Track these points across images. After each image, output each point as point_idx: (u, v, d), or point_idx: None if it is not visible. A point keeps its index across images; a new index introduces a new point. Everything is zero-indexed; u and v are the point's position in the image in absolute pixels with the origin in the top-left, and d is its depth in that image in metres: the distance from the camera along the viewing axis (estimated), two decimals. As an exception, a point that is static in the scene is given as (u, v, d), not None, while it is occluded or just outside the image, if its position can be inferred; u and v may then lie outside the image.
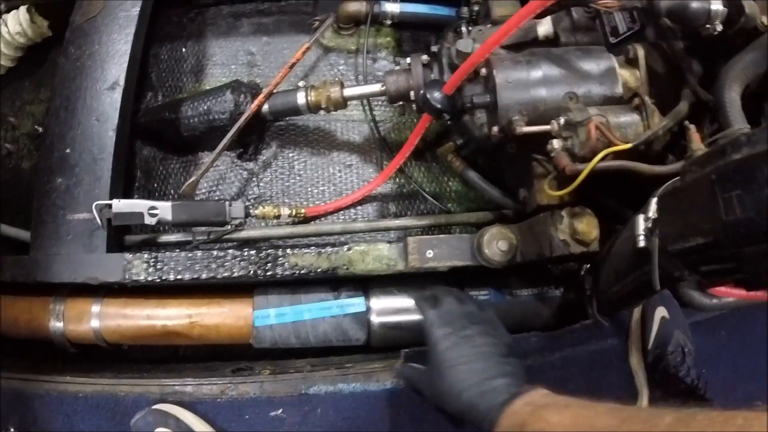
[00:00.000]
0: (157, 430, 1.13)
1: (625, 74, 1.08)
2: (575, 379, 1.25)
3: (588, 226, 1.04)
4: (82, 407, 1.19)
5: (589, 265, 1.16)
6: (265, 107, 1.35)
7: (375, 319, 1.24)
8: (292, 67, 1.39)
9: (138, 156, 1.47)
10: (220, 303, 1.24)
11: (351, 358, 1.29)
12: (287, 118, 1.48)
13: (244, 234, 1.31)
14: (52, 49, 1.53)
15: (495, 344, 0.94)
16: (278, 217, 1.32)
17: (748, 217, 0.69)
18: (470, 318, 0.98)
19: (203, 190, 1.43)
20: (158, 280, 1.19)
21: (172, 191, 1.44)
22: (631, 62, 1.10)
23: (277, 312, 1.22)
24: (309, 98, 1.32)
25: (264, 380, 1.20)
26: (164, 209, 1.22)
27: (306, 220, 1.38)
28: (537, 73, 1.06)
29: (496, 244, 1.16)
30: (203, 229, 1.30)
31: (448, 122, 1.23)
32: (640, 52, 1.09)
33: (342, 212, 1.42)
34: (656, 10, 0.97)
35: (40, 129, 1.48)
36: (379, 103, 1.50)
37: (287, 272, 1.20)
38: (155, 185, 1.45)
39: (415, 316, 1.24)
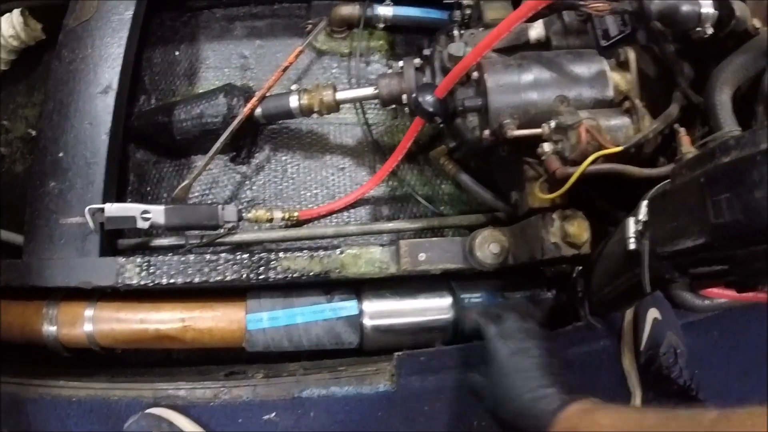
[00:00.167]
0: (150, 433, 1.14)
1: (616, 77, 1.08)
2: (568, 380, 1.25)
3: (579, 229, 1.04)
4: (75, 411, 1.19)
5: (581, 267, 1.17)
6: (258, 111, 1.35)
7: (368, 323, 1.24)
8: (285, 70, 1.39)
9: (131, 159, 1.46)
10: (213, 307, 1.24)
11: (344, 361, 1.29)
12: (280, 122, 1.48)
13: (236, 237, 1.31)
14: (46, 52, 1.52)
15: (549, 357, 0.99)
16: (271, 220, 1.32)
17: (736, 220, 0.69)
18: (528, 333, 1.02)
19: (196, 194, 1.43)
20: (151, 284, 1.19)
21: (165, 195, 1.44)
22: (622, 65, 1.10)
23: (270, 315, 1.22)
24: (302, 102, 1.32)
25: (257, 384, 1.20)
26: (157, 213, 1.22)
27: (299, 223, 1.38)
28: (528, 77, 1.06)
29: (488, 246, 1.17)
30: (196, 232, 1.30)
31: (441, 125, 1.23)
32: (631, 55, 1.09)
33: (335, 215, 1.42)
34: (647, 13, 0.98)
35: (34, 132, 1.48)
36: (372, 106, 1.50)
37: (280, 276, 1.21)
38: (148, 189, 1.45)
39: (408, 319, 1.25)
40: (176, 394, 1.19)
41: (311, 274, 1.21)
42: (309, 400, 1.19)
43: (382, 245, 1.24)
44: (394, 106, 1.29)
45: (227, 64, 1.55)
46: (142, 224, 1.21)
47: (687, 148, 0.88)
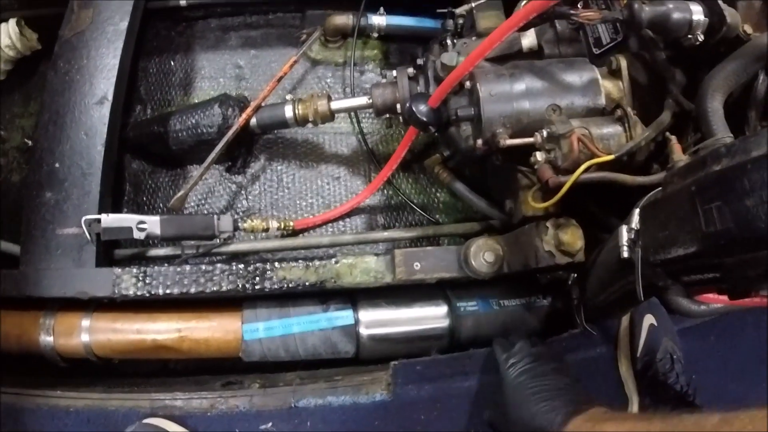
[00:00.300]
0: (147, 444, 1.13)
1: (608, 85, 1.09)
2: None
3: (573, 237, 1.04)
4: (73, 421, 1.18)
5: (576, 275, 1.17)
6: (253, 120, 1.35)
7: (364, 332, 1.24)
8: (279, 80, 1.39)
9: (127, 170, 1.47)
10: (209, 317, 1.24)
11: (340, 370, 1.29)
12: (275, 131, 1.48)
13: (232, 247, 1.31)
14: (42, 62, 1.53)
15: (555, 374, 1.03)
16: (267, 230, 1.32)
17: (727, 229, 0.69)
18: (536, 356, 1.08)
19: (192, 204, 1.43)
20: (147, 295, 1.19)
21: (161, 205, 1.44)
22: (614, 73, 1.11)
23: (266, 325, 1.23)
24: (296, 111, 1.32)
25: (253, 394, 1.20)
26: (153, 224, 1.23)
27: (294, 232, 1.38)
28: (520, 86, 1.07)
29: (483, 255, 1.17)
30: (192, 242, 1.30)
31: (435, 134, 1.24)
32: (623, 63, 1.10)
33: (330, 225, 1.43)
34: (638, 21, 0.98)
35: (30, 142, 1.48)
36: (367, 115, 1.51)
37: (275, 286, 1.21)
38: (144, 199, 1.45)
39: (404, 328, 1.25)
40: (173, 404, 1.19)
41: (307, 284, 1.21)
42: (306, 410, 1.18)
43: (377, 254, 1.24)
44: (388, 115, 1.29)
45: (222, 74, 1.55)
46: (138, 235, 1.22)
47: (678, 156, 0.89)
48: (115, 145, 1.34)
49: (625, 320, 1.30)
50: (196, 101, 1.49)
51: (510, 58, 1.17)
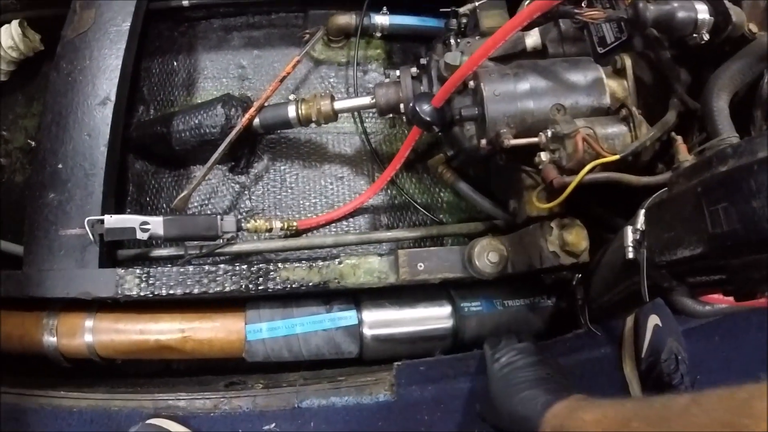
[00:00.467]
0: (150, 444, 1.13)
1: (612, 85, 1.08)
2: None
3: (577, 238, 1.04)
4: (76, 422, 1.18)
5: (580, 275, 1.17)
6: (256, 121, 1.35)
7: (367, 332, 1.24)
8: (282, 80, 1.39)
9: (130, 170, 1.47)
10: (212, 317, 1.24)
11: (343, 371, 1.29)
12: (278, 132, 1.48)
13: (235, 248, 1.31)
14: (45, 63, 1.53)
15: (537, 366, 1.06)
16: (270, 230, 1.32)
17: (734, 230, 0.69)
18: (519, 350, 1.11)
19: (195, 204, 1.43)
20: (150, 295, 1.19)
21: (164, 205, 1.44)
22: (619, 72, 1.10)
23: (269, 326, 1.22)
24: (300, 111, 1.32)
25: (257, 394, 1.20)
26: (156, 224, 1.23)
27: (298, 233, 1.38)
28: (524, 86, 1.06)
29: (487, 255, 1.17)
30: (195, 243, 1.30)
31: (439, 134, 1.23)
32: (628, 62, 1.09)
33: (334, 225, 1.43)
34: (643, 20, 0.97)
35: (33, 143, 1.48)
36: (370, 115, 1.51)
37: (279, 286, 1.21)
38: (147, 199, 1.45)
39: (407, 329, 1.25)
40: (176, 404, 1.19)
41: (310, 284, 1.21)
42: (309, 411, 1.18)
43: (380, 255, 1.24)
44: (391, 115, 1.29)
45: (225, 74, 1.55)
46: (141, 235, 1.22)
47: (684, 156, 0.88)
48: (117, 145, 1.34)
49: (629, 321, 1.30)
50: (199, 101, 1.48)
51: (514, 58, 1.16)
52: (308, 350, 1.23)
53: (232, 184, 1.46)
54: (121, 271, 1.20)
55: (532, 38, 1.18)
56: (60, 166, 1.28)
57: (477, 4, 1.27)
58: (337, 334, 1.23)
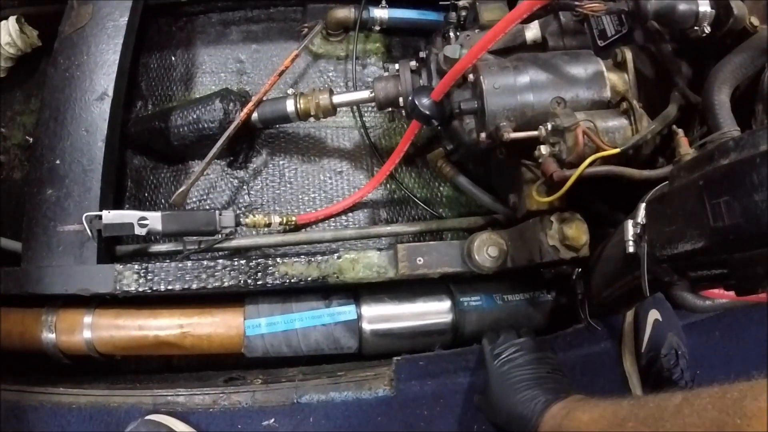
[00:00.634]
0: (150, 440, 1.13)
1: (613, 78, 1.08)
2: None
3: (577, 232, 1.03)
4: (75, 418, 1.18)
5: (580, 269, 1.16)
6: (255, 115, 1.35)
7: (366, 327, 1.23)
8: (281, 74, 1.39)
9: (128, 165, 1.46)
10: (211, 313, 1.24)
11: (343, 366, 1.29)
12: (277, 126, 1.47)
13: (234, 243, 1.31)
14: (43, 59, 1.52)
15: (537, 364, 1.06)
16: (269, 225, 1.32)
17: (736, 224, 0.69)
18: (519, 347, 1.09)
19: (194, 199, 1.43)
20: (149, 291, 1.19)
21: (162, 200, 1.44)
22: (620, 65, 1.10)
23: (268, 321, 1.22)
24: (298, 106, 1.32)
25: (256, 390, 1.19)
26: (154, 219, 1.22)
27: (297, 227, 1.38)
28: (524, 79, 1.06)
29: (486, 250, 1.16)
30: (194, 238, 1.30)
31: (438, 128, 1.23)
32: (628, 56, 1.08)
33: (333, 219, 1.42)
34: (643, 12, 0.97)
35: (31, 139, 1.47)
36: (369, 109, 1.50)
37: (278, 281, 1.20)
38: (146, 194, 1.45)
39: (407, 324, 1.25)
40: (175, 400, 1.19)
41: (309, 279, 1.21)
42: (308, 406, 1.18)
43: (380, 249, 1.24)
44: (390, 109, 1.28)
45: (223, 69, 1.55)
46: (139, 231, 1.21)
47: (685, 149, 0.87)
48: (116, 141, 1.34)
49: (629, 315, 1.30)
50: (198, 96, 1.48)
51: (514, 51, 1.16)
52: (307, 345, 1.23)
53: (231, 179, 1.45)
54: (119, 266, 1.20)
55: (532, 31, 1.18)
56: (58, 162, 1.28)
57: (476, -4, 1.26)
58: (337, 329, 1.23)
